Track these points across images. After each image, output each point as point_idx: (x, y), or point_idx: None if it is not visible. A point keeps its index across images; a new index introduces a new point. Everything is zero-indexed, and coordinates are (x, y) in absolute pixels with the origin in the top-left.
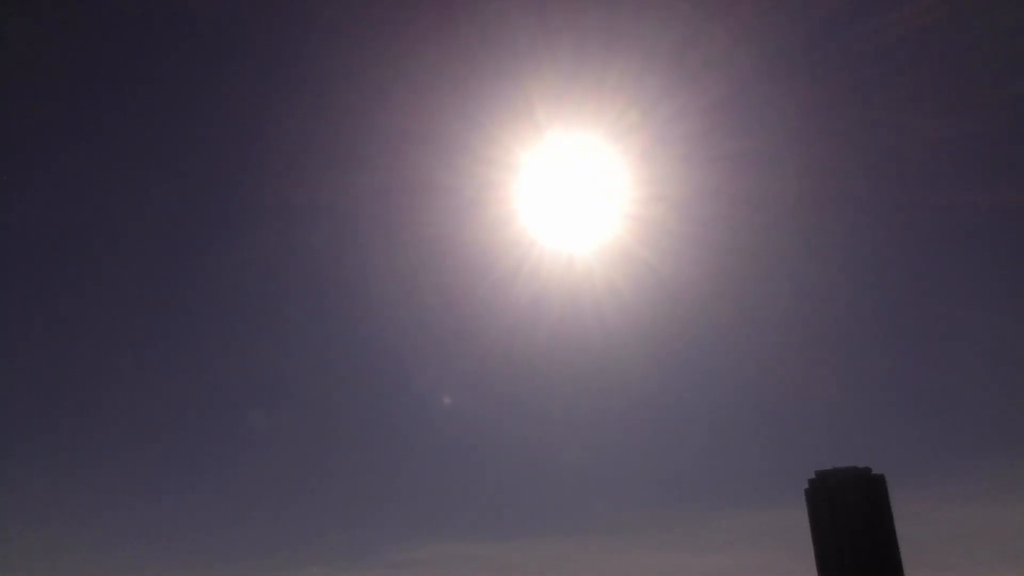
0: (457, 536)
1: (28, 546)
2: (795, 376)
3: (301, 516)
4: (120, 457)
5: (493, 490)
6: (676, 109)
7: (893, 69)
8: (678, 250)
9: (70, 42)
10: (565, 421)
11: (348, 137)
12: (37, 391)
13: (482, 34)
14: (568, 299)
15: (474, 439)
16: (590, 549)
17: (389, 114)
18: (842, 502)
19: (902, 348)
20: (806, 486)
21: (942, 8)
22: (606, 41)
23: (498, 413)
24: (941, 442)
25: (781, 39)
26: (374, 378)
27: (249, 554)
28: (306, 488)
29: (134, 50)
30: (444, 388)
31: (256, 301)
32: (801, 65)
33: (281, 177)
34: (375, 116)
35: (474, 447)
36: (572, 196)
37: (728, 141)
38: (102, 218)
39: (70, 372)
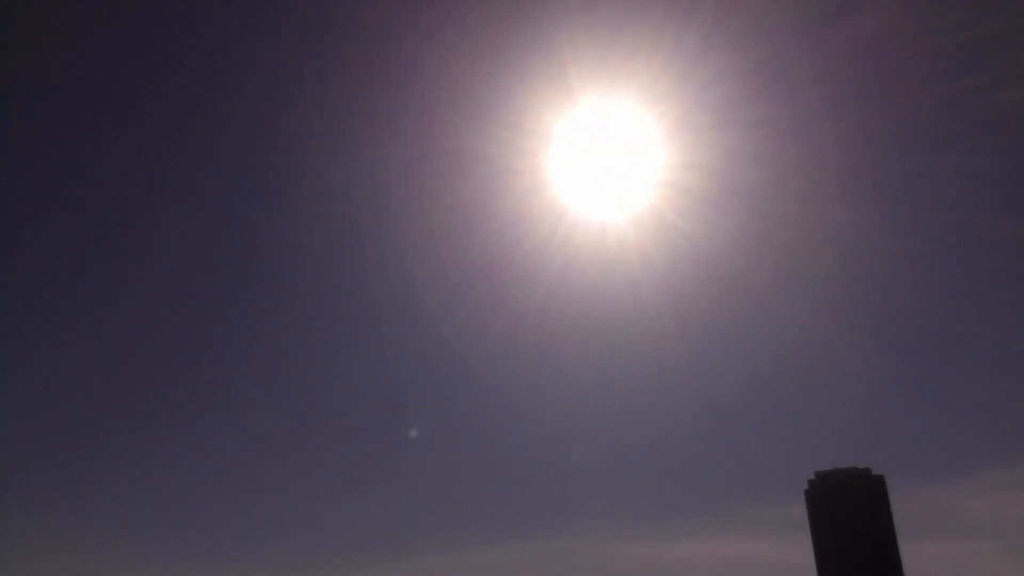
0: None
1: (29, 547)
2: (796, 376)
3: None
4: (118, 458)
5: (507, 484)
6: (712, 74)
7: (937, 35)
8: (713, 219)
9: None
10: (583, 402)
11: (380, 105)
12: (40, 392)
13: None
14: (601, 267)
15: (497, 416)
16: (589, 547)
17: (422, 82)
18: (842, 502)
19: (903, 348)
20: (806, 487)
21: None
22: (641, 5)
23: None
24: (941, 442)
25: (820, 1)
26: (400, 347)
27: (249, 553)
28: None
29: (163, 15)
30: (474, 360)
31: (284, 273)
32: (840, 29)
33: (314, 146)
34: (408, 84)
35: (495, 425)
36: (606, 163)
37: (765, 106)
38: (123, 196)
39: (76, 372)
